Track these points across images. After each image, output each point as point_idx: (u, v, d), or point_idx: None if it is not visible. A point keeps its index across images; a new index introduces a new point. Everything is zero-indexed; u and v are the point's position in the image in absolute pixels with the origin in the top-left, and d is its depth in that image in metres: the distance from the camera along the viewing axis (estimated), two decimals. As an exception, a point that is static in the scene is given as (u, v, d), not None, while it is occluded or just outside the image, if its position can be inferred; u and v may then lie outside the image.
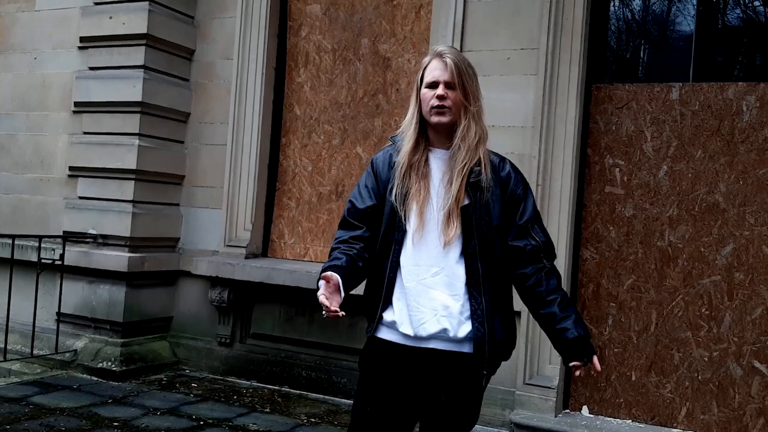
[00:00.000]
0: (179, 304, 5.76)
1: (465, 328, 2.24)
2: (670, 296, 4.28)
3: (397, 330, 2.29)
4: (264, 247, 5.63)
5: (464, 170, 2.25)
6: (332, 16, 5.43)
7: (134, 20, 5.36)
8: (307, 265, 5.29)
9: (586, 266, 4.49)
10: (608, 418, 4.37)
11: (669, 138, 4.33)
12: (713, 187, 4.21)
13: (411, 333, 2.26)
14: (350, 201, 2.42)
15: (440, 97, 2.25)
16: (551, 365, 4.35)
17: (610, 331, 4.41)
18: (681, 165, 4.29)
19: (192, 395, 4.94)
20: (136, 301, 5.44)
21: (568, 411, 4.48)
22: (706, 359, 4.17)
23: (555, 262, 2.39)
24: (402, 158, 2.32)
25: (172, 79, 5.61)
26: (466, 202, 2.25)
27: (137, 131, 5.36)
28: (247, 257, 5.41)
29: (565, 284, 4.32)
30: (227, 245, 5.51)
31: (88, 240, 5.44)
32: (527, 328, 4.37)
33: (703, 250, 4.21)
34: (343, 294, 2.19)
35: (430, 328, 2.25)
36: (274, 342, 5.37)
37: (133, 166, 5.32)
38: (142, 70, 5.36)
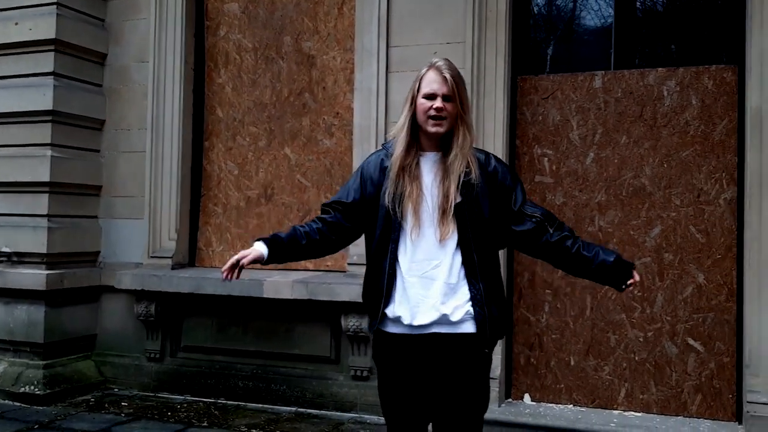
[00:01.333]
0: (103, 321, 5.47)
1: (461, 311, 2.42)
2: (603, 280, 4.35)
3: (401, 323, 2.46)
4: (191, 256, 5.42)
5: (460, 174, 2.43)
6: (251, 15, 5.29)
7: (41, 25, 5.07)
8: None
9: (520, 256, 4.51)
10: (550, 405, 4.41)
11: (594, 125, 4.41)
12: (639, 172, 4.31)
13: (413, 323, 2.43)
14: (337, 194, 2.62)
15: (438, 109, 2.42)
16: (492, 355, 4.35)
17: (547, 318, 4.46)
18: (607, 151, 4.38)
19: (123, 414, 4.70)
20: (57, 320, 5.14)
21: (510, 400, 4.50)
22: (641, 340, 4.27)
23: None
24: (395, 161, 2.48)
25: (84, 86, 5.33)
26: (459, 200, 2.42)
27: (49, 141, 5.07)
28: (173, 268, 5.20)
29: (501, 274, 4.34)
30: (152, 257, 5.28)
31: (1, 259, 5.10)
32: (467, 320, 4.35)
33: (632, 233, 4.31)
34: (263, 256, 2.49)
35: (431, 315, 2.41)
36: (208, 354, 5.18)
37: (47, 179, 5.03)
38: (52, 77, 5.08)
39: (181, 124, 5.28)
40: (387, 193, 2.47)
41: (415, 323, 2.43)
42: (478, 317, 2.42)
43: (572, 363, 4.41)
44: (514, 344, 4.53)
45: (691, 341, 4.18)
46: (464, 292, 2.44)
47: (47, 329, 5.06)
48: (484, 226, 2.46)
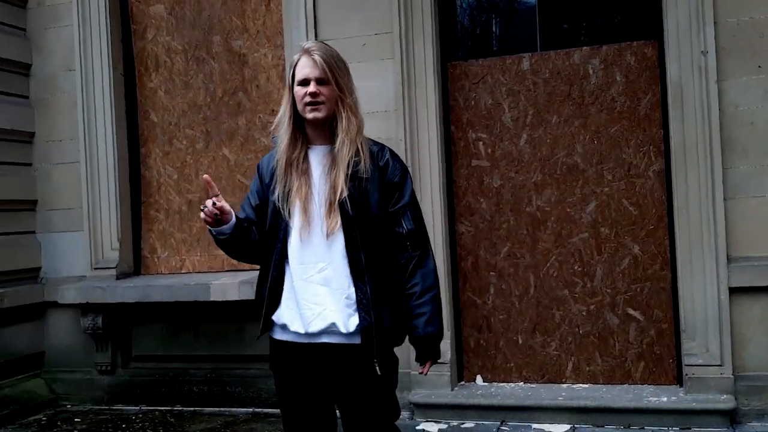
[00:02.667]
0: (50, 337, 5.37)
1: (354, 320, 2.27)
2: (544, 258, 4.45)
3: (289, 330, 2.33)
4: (136, 264, 5.35)
5: (349, 162, 2.28)
6: (178, 16, 5.21)
7: (-43, 38, 4.92)
8: (185, 277, 5.09)
9: (463, 240, 4.58)
10: (502, 384, 4.50)
11: (525, 107, 4.48)
12: (571, 150, 4.40)
13: (302, 331, 2.29)
14: (240, 206, 2.47)
15: (313, 94, 2.27)
16: (442, 340, 4.40)
17: (493, 299, 4.54)
18: (539, 132, 4.46)
19: (76, 431, 4.63)
20: (1, 341, 5.02)
21: (463, 383, 4.57)
22: (584, 313, 4.38)
23: (433, 241, 2.40)
24: (280, 156, 2.33)
25: (8, 98, 5.19)
26: (347, 193, 2.27)
27: (-23, 158, 4.94)
28: (118, 278, 5.12)
29: (444, 260, 4.40)
30: (95, 268, 5.19)
31: (-65, 282, 4.96)
32: (415, 308, 4.40)
33: (569, 210, 4.40)
34: (233, 221, 2.28)
35: (319, 324, 2.28)
36: (160, 362, 5.13)
37: (-22, 197, 4.90)
38: (-26, 91, 4.94)
39: (114, 131, 5.18)
40: (276, 191, 2.33)
41: (301, 331, 2.29)
42: (363, 324, 2.24)
43: (520, 341, 4.50)
44: (463, 327, 4.60)
45: (630, 311, 4.30)
46: (353, 297, 2.27)
47: (-9, 351, 4.95)
48: (373, 223, 2.30)
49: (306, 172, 2.33)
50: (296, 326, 2.30)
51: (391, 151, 2.42)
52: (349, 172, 2.28)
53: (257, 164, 2.50)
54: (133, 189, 5.33)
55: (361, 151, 2.31)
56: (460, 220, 4.59)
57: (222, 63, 5.13)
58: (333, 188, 2.27)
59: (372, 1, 4.60)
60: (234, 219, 2.29)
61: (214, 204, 2.21)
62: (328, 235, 2.27)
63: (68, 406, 5.21)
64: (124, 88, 5.29)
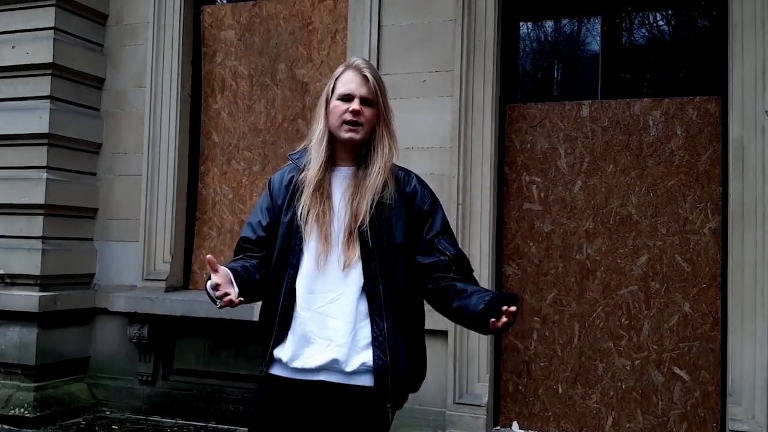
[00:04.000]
0: (96, 343, 5.51)
1: (359, 359, 2.06)
2: (590, 308, 4.38)
3: (286, 365, 2.12)
4: (185, 279, 5.46)
5: (376, 189, 2.10)
6: (248, 42, 5.37)
7: (39, 49, 5.15)
8: (231, 295, 5.16)
9: (509, 283, 4.55)
10: (538, 432, 4.42)
11: (582, 154, 4.45)
12: (626, 200, 4.35)
13: (299, 366, 2.09)
14: (247, 224, 2.28)
15: (355, 113, 2.10)
16: (480, 383, 4.37)
17: (536, 345, 4.48)
18: (594, 180, 4.42)
19: (113, 438, 4.72)
20: (50, 343, 5.17)
21: (498, 428, 4.50)
22: (628, 368, 4.28)
23: (479, 281, 2.27)
24: (311, 177, 2.14)
25: (81, 109, 5.41)
26: (368, 220, 2.08)
27: (45, 164, 5.13)
28: (167, 290, 5.24)
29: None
30: (146, 279, 5.32)
31: (-5, 281, 5.16)
32: (455, 347, 4.37)
33: (619, 261, 4.33)
34: (236, 289, 2.01)
35: (319, 359, 2.06)
36: (199, 377, 5.20)
37: (42, 201, 5.08)
38: (49, 100, 5.15)
39: (176, 148, 5.34)
40: (298, 213, 2.13)
41: (299, 366, 2.07)
42: (377, 363, 2.02)
43: (560, 391, 4.42)
44: (503, 372, 4.54)
45: (677, 370, 4.19)
46: (366, 334, 2.05)
47: (39, 351, 5.09)
48: (395, 252, 2.09)
49: (329, 196, 2.13)
50: (294, 361, 2.08)
51: (418, 177, 2.24)
52: (375, 199, 2.09)
53: (269, 180, 2.34)
54: (189, 205, 5.47)
55: (387, 178, 2.13)
56: (507, 262, 4.56)
57: (285, 90, 5.25)
58: (355, 216, 2.09)
59: (435, 40, 4.67)
60: (236, 288, 2.01)
61: (219, 292, 1.96)
62: (344, 266, 2.07)
63: (107, 413, 5.31)
64: (189, 108, 5.46)
